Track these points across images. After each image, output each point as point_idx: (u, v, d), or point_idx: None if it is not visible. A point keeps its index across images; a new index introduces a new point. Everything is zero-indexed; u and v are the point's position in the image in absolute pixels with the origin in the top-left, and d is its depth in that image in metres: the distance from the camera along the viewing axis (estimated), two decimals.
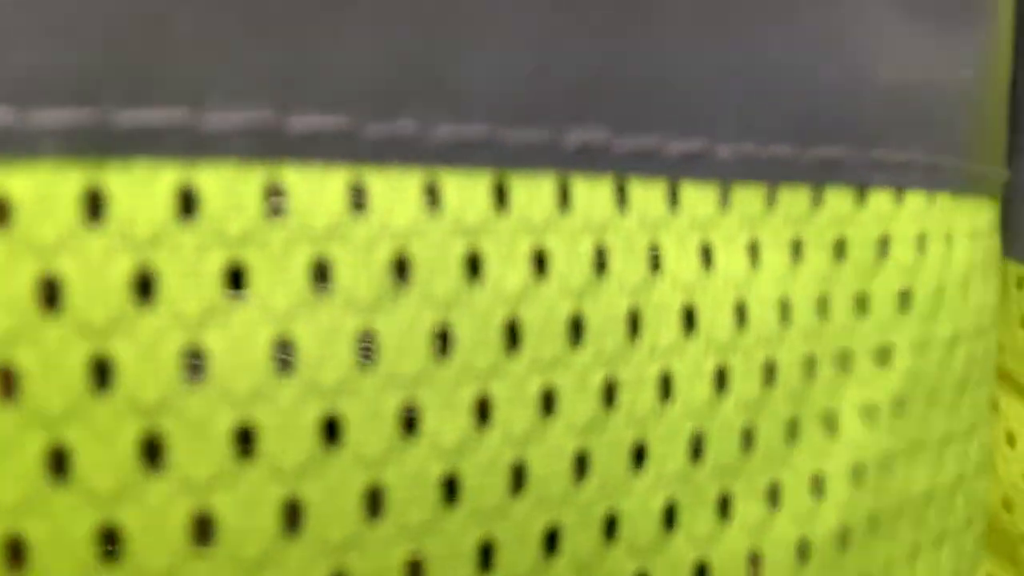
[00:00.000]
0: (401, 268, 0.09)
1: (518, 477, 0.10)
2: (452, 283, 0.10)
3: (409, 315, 0.09)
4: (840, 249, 0.12)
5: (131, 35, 0.08)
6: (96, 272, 0.08)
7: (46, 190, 0.08)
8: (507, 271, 0.10)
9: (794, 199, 0.12)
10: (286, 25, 0.09)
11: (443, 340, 0.10)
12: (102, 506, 0.08)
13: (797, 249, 0.12)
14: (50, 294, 0.08)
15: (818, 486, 0.12)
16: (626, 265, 0.11)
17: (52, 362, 0.08)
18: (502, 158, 0.10)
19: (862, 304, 0.12)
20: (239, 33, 0.09)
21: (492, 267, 0.10)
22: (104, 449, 0.08)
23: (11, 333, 0.08)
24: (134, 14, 0.08)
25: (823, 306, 0.12)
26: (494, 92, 0.10)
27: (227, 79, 0.09)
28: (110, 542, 0.08)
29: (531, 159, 0.10)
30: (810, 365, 0.12)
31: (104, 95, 0.08)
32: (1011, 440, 0.18)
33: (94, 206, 0.08)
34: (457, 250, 0.10)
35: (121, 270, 0.08)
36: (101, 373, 0.08)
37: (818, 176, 0.12)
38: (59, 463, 0.08)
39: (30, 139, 0.08)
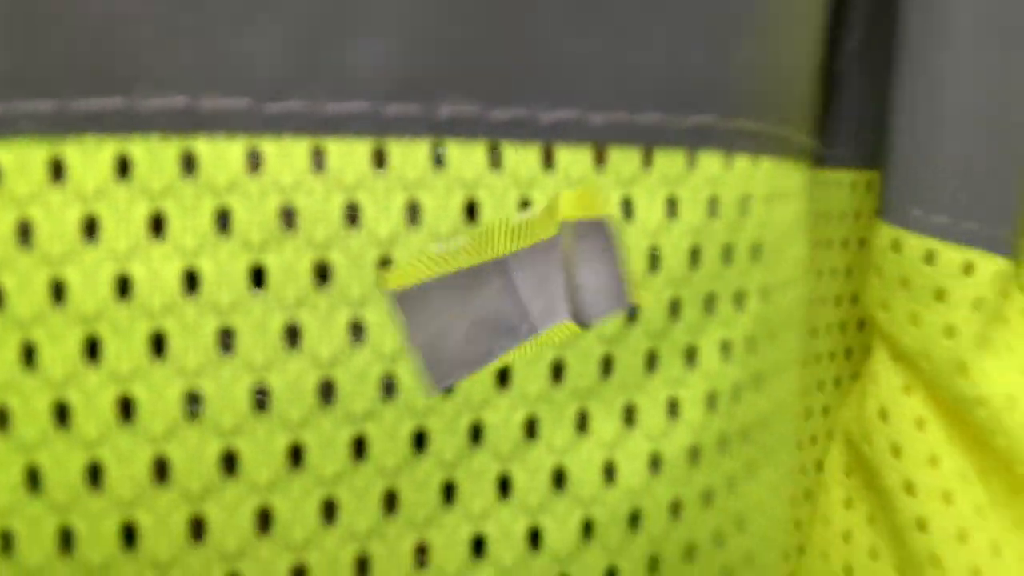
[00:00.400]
0: (289, 216, 0.12)
1: (388, 389, 0.12)
2: (332, 229, 0.12)
3: (293, 253, 0.12)
4: (713, 206, 0.14)
5: (81, 43, 0.11)
6: (56, 218, 0.12)
7: (24, 158, 0.12)
8: (381, 220, 0.12)
9: (670, 161, 0.13)
10: (198, 30, 0.12)
11: (323, 274, 0.12)
12: (56, 387, 0.11)
13: (672, 206, 0.13)
14: (24, 233, 0.12)
15: (673, 410, 0.13)
16: (496, 215, 0.13)
17: (24, 282, 0.11)
18: (381, 128, 0.12)
19: (728, 255, 0.14)
20: (160, 37, 0.12)
21: (368, 217, 0.12)
22: (58, 347, 0.11)
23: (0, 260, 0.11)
24: (83, 27, 0.11)
25: (695, 256, 0.14)
26: (373, 74, 0.12)
27: (151, 74, 0.12)
28: (61, 415, 0.12)
29: (407, 128, 0.12)
30: (675, 307, 0.13)
31: (63, 90, 0.12)
32: (875, 379, 0.19)
33: (56, 170, 0.12)
34: (336, 202, 0.12)
35: (73, 216, 0.12)
36: (57, 291, 0.12)
37: (692, 141, 0.13)
38: (29, 356, 0.12)
39: (13, 122, 0.11)
